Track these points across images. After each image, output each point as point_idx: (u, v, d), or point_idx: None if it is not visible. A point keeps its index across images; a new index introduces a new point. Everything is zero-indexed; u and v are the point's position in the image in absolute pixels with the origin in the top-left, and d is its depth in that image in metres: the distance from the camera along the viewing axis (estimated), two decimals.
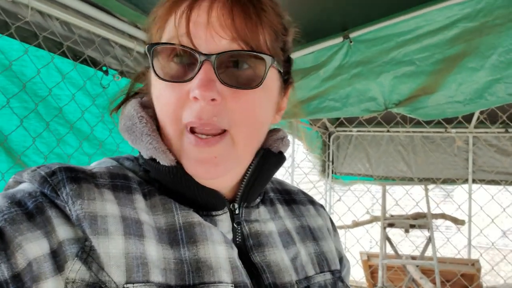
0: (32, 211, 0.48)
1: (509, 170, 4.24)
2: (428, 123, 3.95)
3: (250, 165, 0.62)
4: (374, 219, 4.37)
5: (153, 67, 0.55)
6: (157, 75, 0.54)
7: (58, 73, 1.54)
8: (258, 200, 0.67)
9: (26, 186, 0.52)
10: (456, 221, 4.05)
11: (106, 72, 1.75)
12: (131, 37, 1.87)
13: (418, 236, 4.72)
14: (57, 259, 0.47)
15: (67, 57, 1.55)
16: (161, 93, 0.56)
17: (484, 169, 4.42)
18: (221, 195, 0.60)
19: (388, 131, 4.45)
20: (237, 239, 0.61)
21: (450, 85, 2.10)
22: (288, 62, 0.64)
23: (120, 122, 0.61)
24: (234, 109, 0.54)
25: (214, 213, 0.60)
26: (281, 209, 0.71)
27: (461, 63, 2.08)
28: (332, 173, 4.98)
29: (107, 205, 0.52)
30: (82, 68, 1.63)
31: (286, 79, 0.64)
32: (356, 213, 4.30)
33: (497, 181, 4.27)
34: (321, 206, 0.79)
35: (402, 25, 2.16)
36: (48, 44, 1.48)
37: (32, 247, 0.45)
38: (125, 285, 0.48)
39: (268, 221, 0.66)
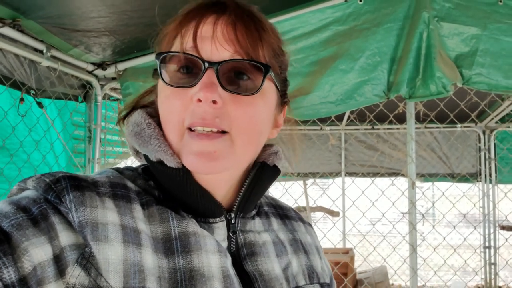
0: (37, 217, 0.50)
1: (376, 163, 4.66)
2: (306, 121, 4.12)
3: (247, 177, 0.66)
4: None
5: (160, 74, 0.59)
6: (163, 80, 0.59)
7: None
8: (253, 212, 0.71)
9: (30, 193, 0.54)
10: (332, 213, 4.31)
11: None
12: None
13: None
14: (59, 264, 0.49)
15: None
16: (166, 98, 0.60)
17: (355, 163, 4.79)
18: (219, 203, 0.63)
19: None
20: (232, 247, 0.64)
21: (323, 86, 2.16)
22: (284, 82, 0.69)
23: (127, 128, 0.65)
24: (234, 114, 0.58)
25: (211, 220, 0.63)
26: (274, 222, 0.75)
27: (334, 65, 2.15)
28: None
29: (108, 213, 0.54)
30: None
31: (283, 97, 0.69)
32: None
33: (366, 174, 4.66)
34: (310, 225, 0.83)
35: (278, 26, 2.11)
36: None
37: (37, 252, 0.48)
38: None
39: (262, 232, 0.69)
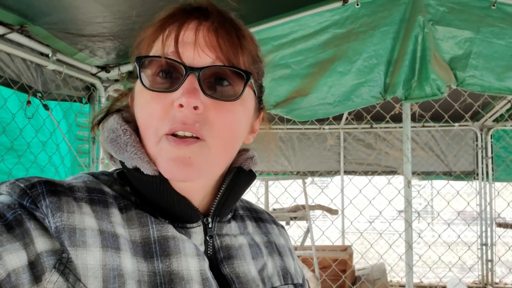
0: (11, 223, 0.49)
1: (374, 162, 4.72)
2: (305, 121, 4.19)
3: (224, 181, 0.67)
4: None
5: (140, 78, 0.59)
6: (143, 85, 0.58)
7: None
8: (229, 216, 0.72)
9: (3, 199, 0.53)
10: (330, 211, 4.36)
11: None
12: None
13: (298, 227, 4.99)
14: (34, 270, 0.48)
15: None
16: (146, 103, 0.59)
17: (353, 162, 4.85)
18: (196, 208, 0.64)
19: (270, 128, 4.63)
20: (209, 251, 0.65)
21: (321, 88, 2.22)
22: (260, 88, 0.70)
23: (102, 134, 0.64)
24: (214, 120, 0.58)
25: (188, 225, 0.63)
26: (250, 225, 0.76)
27: (332, 67, 2.20)
28: None
29: (85, 218, 0.54)
30: None
31: (259, 103, 0.70)
32: None
33: (364, 173, 4.72)
34: (282, 227, 0.85)
35: (278, 29, 2.23)
36: None
37: (11, 259, 0.47)
38: None
39: (238, 236, 0.70)
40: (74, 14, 1.74)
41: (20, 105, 1.86)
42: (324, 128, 4.63)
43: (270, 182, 4.12)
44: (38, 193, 0.52)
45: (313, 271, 3.72)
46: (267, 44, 2.24)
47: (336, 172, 4.91)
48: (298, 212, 4.08)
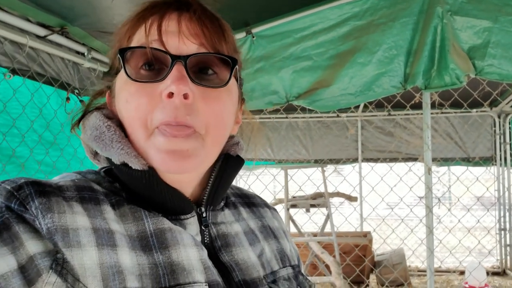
0: None
1: (394, 149, 4.78)
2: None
3: (213, 169, 0.66)
4: (278, 202, 4.61)
5: (125, 69, 0.57)
6: (129, 76, 0.57)
7: None
8: (222, 203, 0.71)
9: None
10: (350, 198, 4.45)
11: None
12: (23, 31, 1.74)
13: (317, 213, 5.08)
14: (25, 274, 0.47)
15: None
16: (131, 96, 0.57)
17: (373, 149, 4.92)
18: (189, 199, 0.63)
19: (286, 117, 4.73)
20: (206, 240, 0.64)
21: (343, 79, 2.29)
22: (241, 79, 0.69)
23: (85, 132, 0.62)
24: (203, 110, 0.57)
25: (182, 217, 0.62)
26: (243, 211, 0.75)
27: (352, 59, 2.27)
28: None
29: (77, 218, 0.52)
30: None
31: (241, 93, 0.70)
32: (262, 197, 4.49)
33: (383, 160, 4.79)
34: (275, 209, 0.85)
35: (299, 22, 2.30)
36: None
37: None
38: None
39: (233, 223, 0.70)
40: (110, 15, 1.85)
41: (61, 102, 1.99)
42: (341, 116, 4.70)
43: (291, 171, 4.22)
44: (26, 195, 0.51)
45: (334, 256, 3.83)
46: (289, 37, 2.32)
47: (355, 160, 4.99)
48: (318, 200, 4.17)
